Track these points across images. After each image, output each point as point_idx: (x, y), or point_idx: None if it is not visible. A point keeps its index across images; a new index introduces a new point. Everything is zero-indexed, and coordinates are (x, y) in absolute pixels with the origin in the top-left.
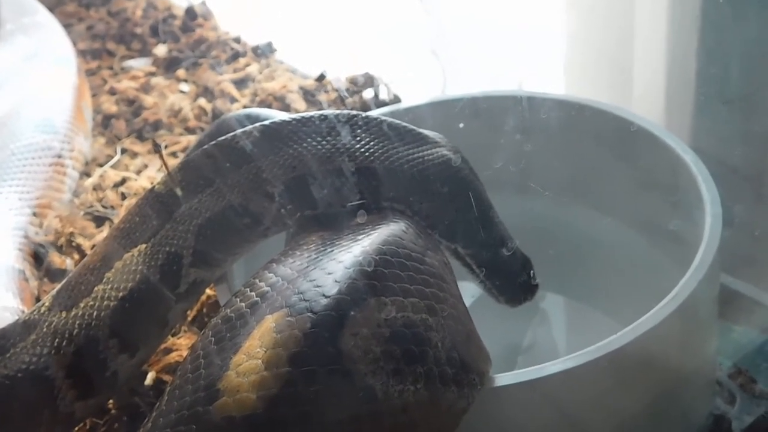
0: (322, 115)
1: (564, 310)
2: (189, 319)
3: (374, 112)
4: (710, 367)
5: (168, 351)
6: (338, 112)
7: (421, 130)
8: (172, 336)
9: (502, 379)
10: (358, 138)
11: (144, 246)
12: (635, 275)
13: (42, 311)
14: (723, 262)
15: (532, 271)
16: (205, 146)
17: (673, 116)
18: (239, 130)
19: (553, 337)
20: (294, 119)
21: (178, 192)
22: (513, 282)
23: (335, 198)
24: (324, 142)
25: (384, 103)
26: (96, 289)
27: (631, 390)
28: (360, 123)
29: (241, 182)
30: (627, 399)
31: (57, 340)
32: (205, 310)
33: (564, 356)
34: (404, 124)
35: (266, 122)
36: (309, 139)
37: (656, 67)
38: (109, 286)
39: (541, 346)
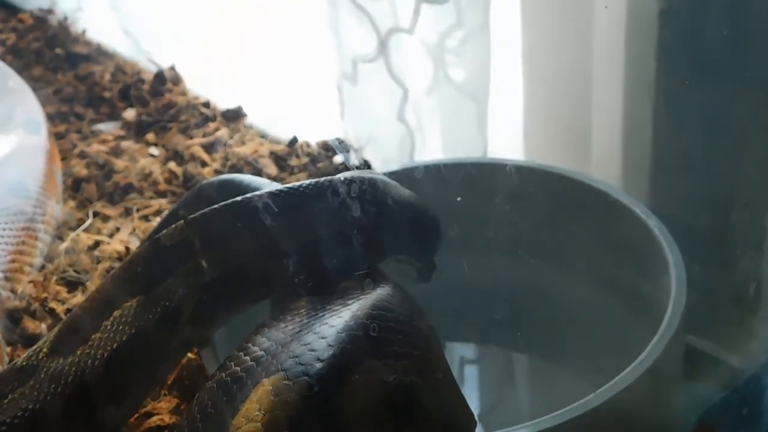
0: (327, 180)
1: (530, 368)
2: (169, 382)
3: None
4: (678, 422)
5: (149, 415)
6: (343, 176)
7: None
8: (153, 400)
9: None
10: (365, 202)
11: (143, 297)
12: (599, 334)
13: (40, 357)
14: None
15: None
16: (217, 206)
17: (631, 180)
18: (254, 193)
19: (518, 396)
20: (303, 185)
21: (184, 247)
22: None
23: (347, 262)
24: (334, 208)
25: (356, 168)
26: (93, 337)
27: None
28: (365, 186)
29: (256, 245)
30: None
31: (53, 386)
32: (185, 372)
33: (530, 414)
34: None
35: (277, 188)
36: (321, 205)
37: (613, 133)
38: (106, 335)
39: (507, 405)
